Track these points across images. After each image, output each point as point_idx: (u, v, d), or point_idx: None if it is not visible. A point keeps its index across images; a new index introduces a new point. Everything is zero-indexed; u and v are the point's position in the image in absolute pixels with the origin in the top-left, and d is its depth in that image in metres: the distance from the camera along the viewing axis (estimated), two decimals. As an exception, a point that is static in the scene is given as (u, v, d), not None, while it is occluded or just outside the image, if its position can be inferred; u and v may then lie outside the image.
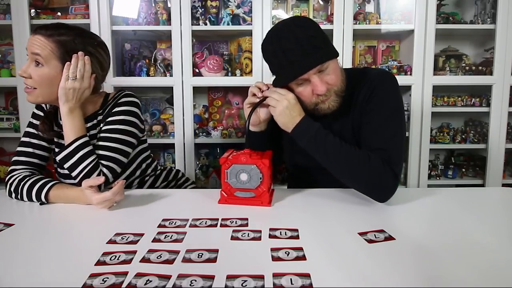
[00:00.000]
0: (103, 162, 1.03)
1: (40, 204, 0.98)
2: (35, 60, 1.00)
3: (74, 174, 1.00)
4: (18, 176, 1.03)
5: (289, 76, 0.94)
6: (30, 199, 0.99)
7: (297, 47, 0.90)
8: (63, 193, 0.98)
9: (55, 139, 1.13)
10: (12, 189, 1.02)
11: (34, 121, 1.13)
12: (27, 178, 1.02)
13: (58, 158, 1.02)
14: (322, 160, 0.95)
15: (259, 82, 1.02)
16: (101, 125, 1.10)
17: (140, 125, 1.15)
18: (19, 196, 1.00)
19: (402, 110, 1.01)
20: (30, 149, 1.11)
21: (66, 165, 1.01)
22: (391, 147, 0.95)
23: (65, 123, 1.02)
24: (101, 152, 1.04)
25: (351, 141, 1.01)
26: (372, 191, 0.93)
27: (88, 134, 1.05)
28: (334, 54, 0.95)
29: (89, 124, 1.10)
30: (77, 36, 1.03)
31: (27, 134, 1.12)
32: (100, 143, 1.05)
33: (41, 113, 1.14)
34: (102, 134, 1.07)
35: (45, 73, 1.00)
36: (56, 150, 1.08)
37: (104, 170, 1.02)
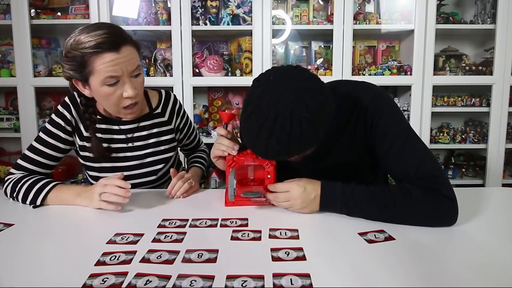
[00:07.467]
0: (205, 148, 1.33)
1: (33, 207, 0.94)
2: (136, 71, 0.96)
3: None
4: (16, 177, 1.00)
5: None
6: (25, 200, 0.95)
7: (252, 140, 0.79)
8: (59, 195, 0.95)
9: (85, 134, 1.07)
10: (8, 190, 0.99)
11: (54, 130, 1.04)
12: (25, 179, 0.98)
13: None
14: (366, 217, 0.84)
15: (223, 139, 0.92)
16: (177, 122, 1.19)
17: None
18: (14, 195, 0.96)
19: (410, 126, 0.90)
20: (39, 158, 1.03)
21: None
22: (433, 168, 0.83)
23: None
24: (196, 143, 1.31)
25: (356, 161, 0.96)
26: (434, 223, 0.80)
27: (145, 133, 1.11)
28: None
29: (148, 123, 1.12)
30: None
31: (42, 143, 1.04)
32: (191, 136, 1.27)
33: (62, 123, 1.04)
34: (187, 129, 1.24)
35: (143, 79, 1.01)
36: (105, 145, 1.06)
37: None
